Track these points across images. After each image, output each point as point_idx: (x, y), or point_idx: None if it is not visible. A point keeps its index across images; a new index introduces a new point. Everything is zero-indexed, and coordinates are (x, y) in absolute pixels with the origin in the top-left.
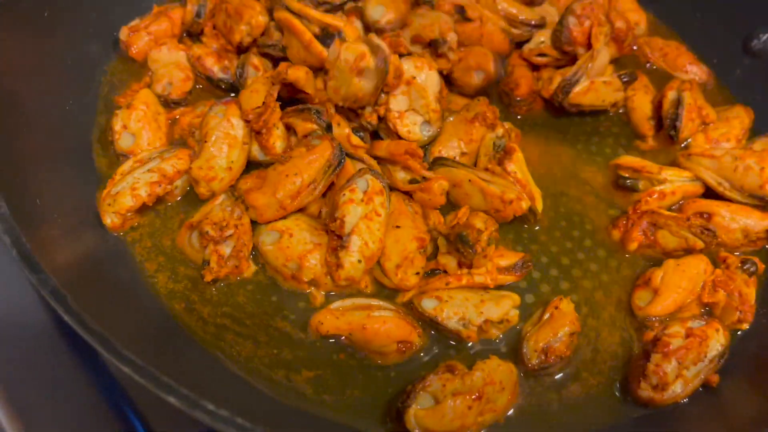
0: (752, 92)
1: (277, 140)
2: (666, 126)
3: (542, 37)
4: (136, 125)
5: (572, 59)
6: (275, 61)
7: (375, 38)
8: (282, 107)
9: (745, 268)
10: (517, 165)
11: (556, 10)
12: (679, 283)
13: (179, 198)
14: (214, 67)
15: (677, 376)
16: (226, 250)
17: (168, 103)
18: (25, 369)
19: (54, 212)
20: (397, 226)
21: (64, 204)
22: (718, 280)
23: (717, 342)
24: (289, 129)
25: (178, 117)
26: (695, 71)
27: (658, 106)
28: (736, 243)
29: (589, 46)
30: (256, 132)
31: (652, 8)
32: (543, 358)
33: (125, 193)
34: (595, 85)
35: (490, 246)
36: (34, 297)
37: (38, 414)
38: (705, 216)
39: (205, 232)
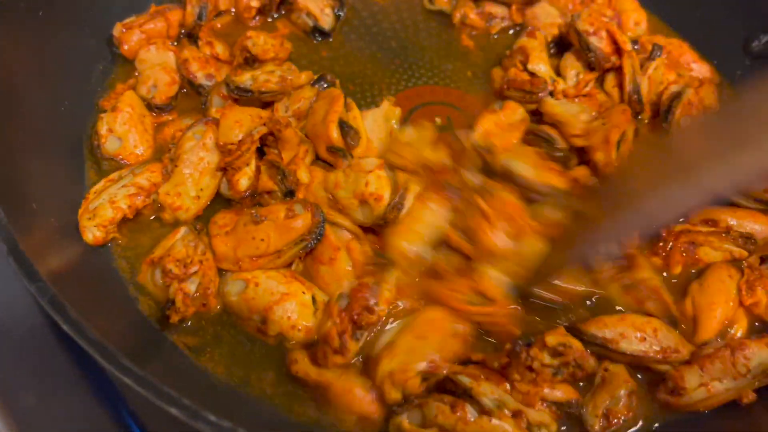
0: None
1: (244, 177)
2: (660, 115)
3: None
4: (122, 128)
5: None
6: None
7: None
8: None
9: None
10: (645, 271)
11: (557, 11)
12: (711, 300)
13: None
14: (198, 72)
15: (700, 385)
16: (191, 287)
17: (152, 108)
18: (20, 371)
19: (50, 217)
20: (423, 337)
21: (59, 208)
22: (750, 280)
23: (766, 355)
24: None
25: (165, 121)
26: (698, 69)
27: (660, 94)
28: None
29: (617, 50)
30: (222, 168)
31: (653, 9)
32: (606, 422)
33: (105, 206)
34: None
35: (557, 375)
36: (28, 299)
37: (34, 416)
38: (710, 223)
39: (169, 270)
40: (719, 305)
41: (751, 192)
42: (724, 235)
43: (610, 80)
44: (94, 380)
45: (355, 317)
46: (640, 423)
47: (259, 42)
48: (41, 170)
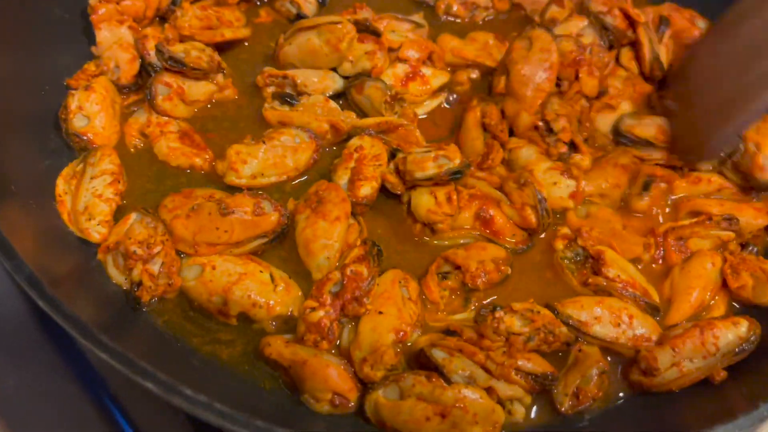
0: None
1: (367, 186)
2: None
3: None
4: (93, 107)
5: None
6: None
7: None
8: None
9: (749, 250)
10: (615, 266)
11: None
12: (689, 284)
13: None
14: (152, 50)
15: (672, 365)
16: (154, 267)
17: (121, 90)
18: (2, 361)
19: (29, 199)
20: (380, 312)
21: (37, 190)
22: (734, 264)
23: (734, 335)
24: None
25: (131, 110)
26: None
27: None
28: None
29: (631, 25)
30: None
31: None
32: (575, 401)
33: (95, 203)
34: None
35: (529, 341)
36: (9, 285)
37: (15, 399)
38: (694, 215)
39: (132, 252)
40: (695, 289)
41: (740, 168)
42: (708, 222)
43: (626, 54)
44: (74, 364)
45: (345, 305)
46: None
47: (186, 16)
48: (19, 153)
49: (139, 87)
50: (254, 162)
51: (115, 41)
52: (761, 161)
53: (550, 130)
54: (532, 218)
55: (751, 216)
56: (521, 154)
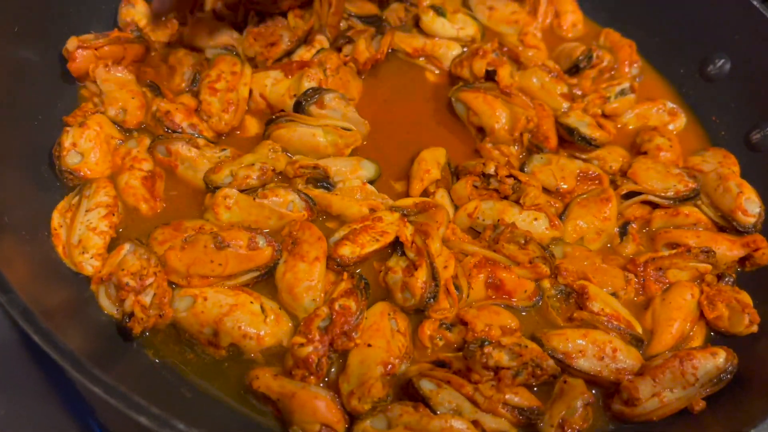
0: (708, 113)
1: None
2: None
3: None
4: (87, 144)
5: None
6: None
7: None
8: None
9: (725, 281)
10: (599, 300)
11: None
12: (670, 315)
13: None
14: (183, 122)
15: (653, 395)
16: (146, 299)
17: (123, 130)
18: None
19: (21, 230)
20: (369, 345)
21: (30, 221)
22: (710, 295)
23: (712, 365)
24: None
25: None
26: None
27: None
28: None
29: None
30: None
31: (615, 26)
32: None
33: (89, 237)
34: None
35: (517, 376)
36: None
37: (3, 428)
38: (673, 246)
39: (125, 284)
40: (676, 320)
41: (720, 207)
42: (686, 254)
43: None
44: (62, 392)
45: (335, 340)
46: None
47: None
48: (12, 184)
49: (141, 130)
50: (237, 211)
51: (120, 84)
52: (743, 203)
53: (487, 176)
54: (546, 269)
55: (726, 248)
56: (485, 208)
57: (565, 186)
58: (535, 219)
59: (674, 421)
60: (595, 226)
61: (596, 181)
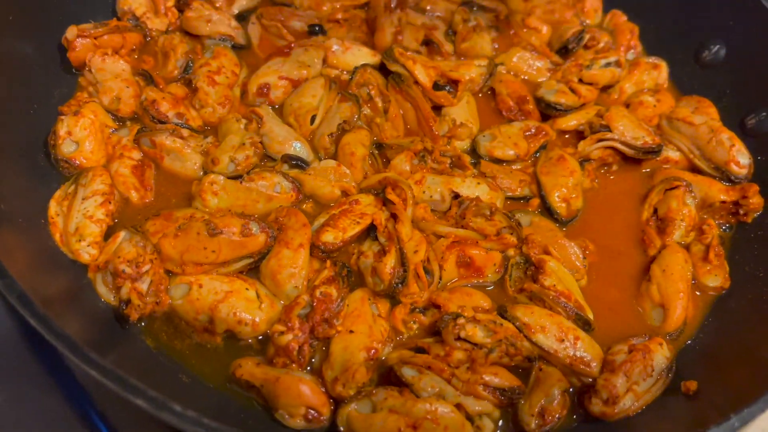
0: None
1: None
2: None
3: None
4: (81, 133)
5: None
6: None
7: None
8: None
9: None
10: (554, 277)
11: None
12: (677, 288)
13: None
14: (169, 111)
15: (627, 390)
16: (143, 286)
17: (117, 119)
18: None
19: (18, 217)
20: (351, 331)
21: (26, 209)
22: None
23: (662, 355)
24: None
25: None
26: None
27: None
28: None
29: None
30: None
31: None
32: (541, 420)
33: (86, 224)
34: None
35: (490, 354)
36: None
37: (4, 423)
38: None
39: (122, 271)
40: (682, 291)
41: (713, 160)
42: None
43: None
44: (60, 380)
45: (315, 327)
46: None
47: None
48: (9, 173)
49: (135, 118)
50: (224, 197)
51: (118, 74)
52: (735, 155)
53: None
54: (514, 238)
55: (718, 190)
56: (430, 183)
57: (520, 151)
58: (478, 183)
59: (667, 404)
60: (568, 186)
61: (542, 133)
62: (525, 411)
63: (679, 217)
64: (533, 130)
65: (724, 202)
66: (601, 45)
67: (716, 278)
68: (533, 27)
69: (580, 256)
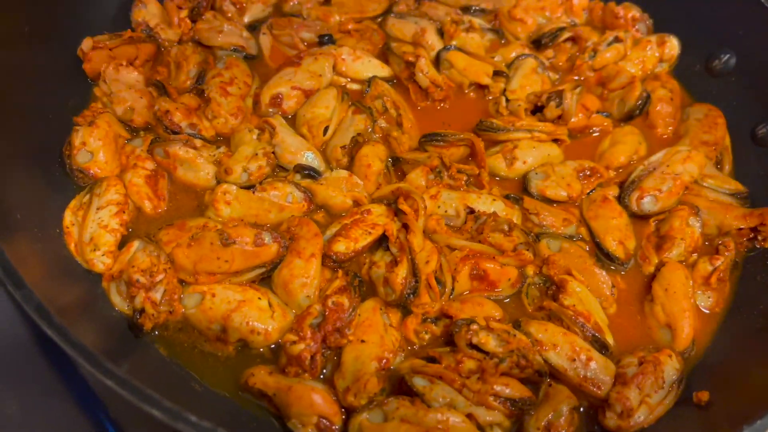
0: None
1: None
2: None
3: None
4: (96, 143)
5: None
6: None
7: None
8: None
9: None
10: (574, 297)
11: None
12: (681, 306)
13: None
14: (183, 122)
15: (641, 402)
16: (157, 295)
17: (131, 130)
18: (2, 380)
19: (33, 227)
20: (362, 341)
21: (42, 218)
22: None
23: (672, 367)
24: None
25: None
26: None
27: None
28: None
29: None
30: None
31: None
32: None
33: (101, 234)
34: None
35: (500, 364)
36: (9, 309)
37: (16, 424)
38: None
39: (136, 280)
40: (687, 310)
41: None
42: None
43: None
44: (74, 388)
45: (327, 337)
46: None
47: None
48: (25, 183)
49: (148, 129)
50: (237, 207)
51: (129, 84)
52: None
53: (439, 170)
54: (530, 255)
55: (734, 216)
56: (445, 199)
57: (573, 193)
58: (494, 200)
59: (680, 415)
60: (621, 228)
61: (597, 174)
62: (531, 425)
63: (679, 236)
64: (588, 171)
65: (741, 229)
66: (589, 44)
67: (709, 299)
68: (518, 18)
69: (610, 284)
